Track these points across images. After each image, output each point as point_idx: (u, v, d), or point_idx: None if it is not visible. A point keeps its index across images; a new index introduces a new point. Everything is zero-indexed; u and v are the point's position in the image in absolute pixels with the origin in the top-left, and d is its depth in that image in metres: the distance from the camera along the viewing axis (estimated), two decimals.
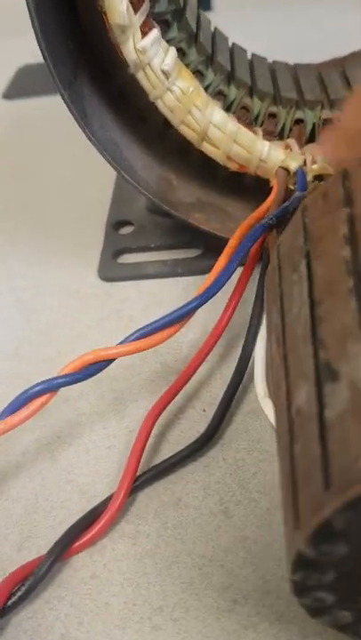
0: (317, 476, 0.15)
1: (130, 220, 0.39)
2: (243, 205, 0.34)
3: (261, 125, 0.34)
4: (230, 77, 0.34)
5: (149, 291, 0.35)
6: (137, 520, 0.25)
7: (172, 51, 0.31)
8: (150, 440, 0.26)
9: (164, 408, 0.27)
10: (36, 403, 0.23)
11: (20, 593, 0.22)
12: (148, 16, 0.29)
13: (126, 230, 0.39)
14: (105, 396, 0.29)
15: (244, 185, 0.34)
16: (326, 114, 0.34)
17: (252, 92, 0.35)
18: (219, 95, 0.34)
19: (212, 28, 0.37)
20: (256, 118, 0.34)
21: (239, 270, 0.29)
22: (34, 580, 0.22)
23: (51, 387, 0.24)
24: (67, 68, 0.30)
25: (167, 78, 0.30)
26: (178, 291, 0.35)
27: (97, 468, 0.27)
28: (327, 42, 0.40)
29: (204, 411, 0.28)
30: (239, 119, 0.33)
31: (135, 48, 0.29)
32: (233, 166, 0.33)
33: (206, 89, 0.33)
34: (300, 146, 0.33)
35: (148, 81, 0.30)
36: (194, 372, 0.28)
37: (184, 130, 0.32)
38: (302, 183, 0.31)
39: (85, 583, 0.23)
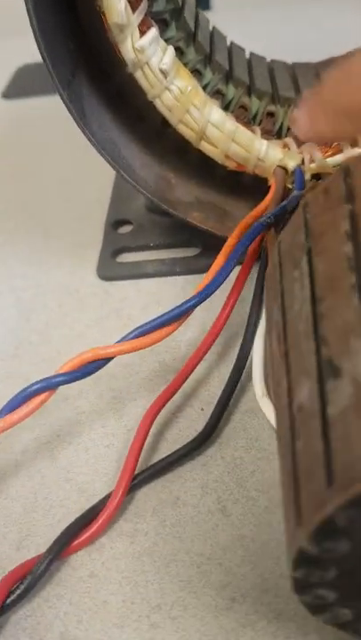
0: (320, 473, 0.15)
1: (129, 219, 0.39)
2: (241, 204, 0.34)
3: (260, 124, 0.34)
4: (229, 76, 0.34)
5: (148, 289, 0.35)
6: (135, 518, 0.25)
7: (171, 50, 0.31)
8: (149, 439, 0.26)
9: (163, 407, 0.27)
10: (35, 401, 0.23)
11: (18, 591, 0.22)
12: (146, 15, 0.30)
13: (125, 229, 0.39)
14: (104, 394, 0.30)
15: (243, 184, 0.34)
16: None
17: (250, 91, 0.35)
18: (217, 94, 0.34)
19: (211, 28, 0.37)
20: (254, 117, 0.34)
21: (237, 269, 0.29)
22: (32, 578, 0.22)
23: (50, 385, 0.24)
24: (65, 67, 0.30)
25: (165, 77, 0.30)
26: (177, 289, 0.35)
27: (96, 466, 0.27)
28: (326, 41, 0.40)
29: (202, 409, 0.28)
30: (237, 118, 0.33)
31: (133, 47, 0.29)
32: (231, 165, 0.33)
33: (204, 88, 0.33)
34: (299, 145, 0.33)
35: (147, 80, 0.30)
36: (192, 370, 0.28)
37: (182, 129, 0.32)
38: (300, 182, 0.31)
39: (84, 581, 0.23)
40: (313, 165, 0.32)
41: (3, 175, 0.48)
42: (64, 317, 0.34)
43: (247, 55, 0.38)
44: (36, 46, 0.28)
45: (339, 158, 0.32)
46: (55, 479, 0.26)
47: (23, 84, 0.59)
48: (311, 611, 0.18)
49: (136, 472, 0.25)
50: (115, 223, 0.39)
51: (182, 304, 0.26)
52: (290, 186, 0.32)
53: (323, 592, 0.17)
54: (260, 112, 0.35)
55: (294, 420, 0.17)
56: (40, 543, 0.24)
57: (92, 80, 0.33)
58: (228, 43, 0.38)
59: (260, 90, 0.35)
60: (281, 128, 0.34)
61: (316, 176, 0.32)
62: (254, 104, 0.35)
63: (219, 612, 0.22)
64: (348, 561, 0.16)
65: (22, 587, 0.22)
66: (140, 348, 0.25)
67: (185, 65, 0.32)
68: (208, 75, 0.34)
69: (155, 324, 0.26)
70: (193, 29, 0.34)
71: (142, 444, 0.25)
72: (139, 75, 0.30)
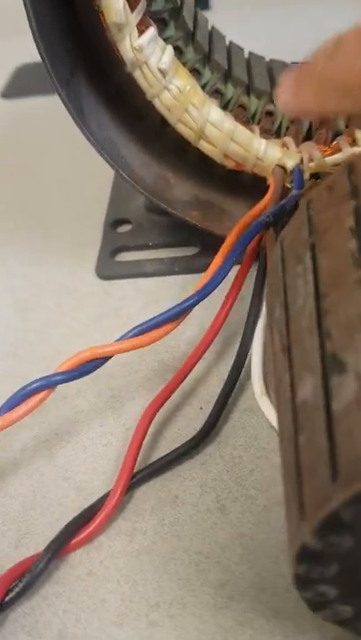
0: (324, 468, 0.15)
1: (128, 218, 0.39)
2: (240, 203, 0.34)
3: (258, 123, 0.34)
4: (227, 76, 0.35)
5: (147, 289, 0.35)
6: (134, 517, 0.25)
7: (169, 49, 0.31)
8: (147, 437, 0.26)
9: (161, 405, 0.27)
10: (33, 399, 0.24)
11: (17, 589, 0.22)
12: (144, 15, 0.30)
13: (124, 229, 0.39)
14: (102, 393, 0.30)
15: (242, 183, 0.34)
16: None
17: (249, 90, 0.35)
18: (216, 93, 0.34)
19: (210, 27, 0.37)
20: (253, 116, 0.34)
21: (236, 268, 0.29)
22: (31, 576, 0.22)
23: (48, 383, 0.24)
24: (64, 66, 0.30)
25: (164, 77, 0.30)
26: (175, 288, 0.35)
27: (94, 465, 0.27)
28: None
29: (201, 408, 0.28)
30: (236, 117, 0.33)
31: (132, 46, 0.29)
32: (230, 164, 0.33)
33: (203, 87, 0.33)
34: (297, 144, 0.33)
35: (145, 79, 0.30)
36: (190, 369, 0.28)
37: (181, 128, 0.32)
38: (299, 181, 0.31)
39: (82, 580, 0.23)
40: (312, 164, 0.32)
41: (1, 174, 0.48)
42: (63, 316, 0.34)
43: (246, 55, 0.38)
44: (34, 46, 0.28)
45: (338, 157, 0.32)
46: (54, 478, 0.26)
47: (22, 84, 0.59)
48: (311, 607, 0.18)
49: (135, 471, 0.25)
50: (114, 222, 0.39)
51: (181, 303, 0.26)
52: (289, 185, 0.32)
53: (324, 588, 0.17)
54: (259, 111, 0.35)
55: (297, 415, 0.17)
56: (39, 541, 0.24)
57: (91, 79, 0.33)
58: (227, 42, 0.38)
59: (259, 89, 0.35)
60: (280, 127, 0.34)
61: (315, 175, 0.32)
62: (253, 103, 0.35)
63: (217, 610, 0.22)
64: (350, 557, 0.16)
65: (21, 585, 0.22)
66: (139, 347, 0.26)
67: (184, 64, 0.32)
68: (207, 74, 0.34)
69: (153, 323, 0.26)
70: (192, 29, 0.34)
71: (141, 443, 0.26)
72: (137, 74, 0.30)
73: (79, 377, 0.24)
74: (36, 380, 0.24)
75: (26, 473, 0.27)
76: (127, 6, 0.28)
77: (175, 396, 0.28)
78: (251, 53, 0.38)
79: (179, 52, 0.33)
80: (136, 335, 0.26)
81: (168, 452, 0.26)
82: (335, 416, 0.15)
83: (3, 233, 0.41)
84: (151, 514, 0.25)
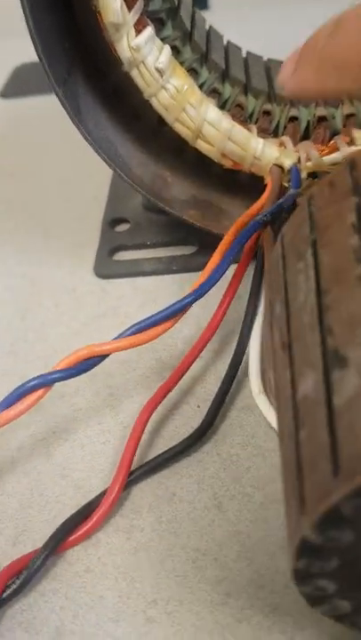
0: (325, 463, 0.15)
1: (126, 217, 0.39)
2: (237, 202, 0.35)
3: (256, 123, 0.34)
4: (225, 75, 0.35)
5: (145, 287, 0.35)
6: (131, 514, 0.25)
7: (167, 49, 0.31)
8: (145, 436, 0.26)
9: (159, 404, 0.27)
10: (31, 397, 0.24)
11: (15, 586, 0.22)
12: (142, 14, 0.30)
13: (122, 228, 0.39)
14: (100, 392, 0.30)
15: (239, 182, 0.35)
16: (320, 111, 0.34)
17: (246, 89, 0.35)
18: (213, 93, 0.34)
19: (207, 27, 0.37)
20: (251, 116, 0.35)
21: (234, 267, 0.29)
22: (28, 573, 0.22)
23: (45, 381, 0.24)
24: (61, 66, 0.31)
25: (161, 76, 0.30)
26: (173, 287, 0.35)
27: (92, 463, 0.27)
28: None
29: (198, 406, 0.28)
30: (234, 117, 0.33)
31: (129, 46, 0.29)
32: (227, 163, 0.33)
33: (201, 87, 0.33)
34: (295, 143, 0.33)
35: (143, 79, 0.30)
36: (188, 368, 0.28)
37: (179, 127, 0.32)
38: (296, 180, 0.31)
39: (80, 576, 0.23)
40: (309, 164, 0.32)
41: (0, 174, 0.48)
42: (61, 315, 0.34)
43: (244, 54, 0.38)
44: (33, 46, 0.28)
45: (335, 156, 0.32)
46: (51, 475, 0.27)
47: (21, 84, 0.59)
48: (310, 602, 0.18)
49: (132, 468, 0.25)
50: (112, 221, 0.39)
51: (178, 301, 0.26)
52: (286, 184, 0.32)
53: (323, 583, 0.17)
54: (257, 110, 0.35)
55: (298, 410, 0.17)
56: (36, 539, 0.24)
57: (88, 78, 0.33)
58: (225, 42, 0.38)
59: (257, 88, 0.35)
60: (277, 126, 0.35)
61: (313, 174, 0.32)
62: (250, 103, 0.35)
63: (214, 606, 0.22)
64: (350, 551, 0.16)
65: (18, 581, 0.22)
66: (136, 345, 0.26)
67: (181, 64, 0.32)
68: (204, 73, 0.34)
69: (151, 322, 0.26)
70: (189, 28, 0.34)
71: (138, 441, 0.26)
72: (135, 73, 0.30)
73: (77, 375, 0.24)
74: (34, 378, 0.24)
75: (23, 471, 0.27)
76: (124, 6, 0.28)
77: (173, 395, 0.28)
78: (248, 53, 0.38)
79: (176, 51, 0.33)
80: (134, 333, 0.26)
81: (165, 449, 0.26)
82: (337, 411, 0.15)
83: (1, 232, 0.41)
84: (149, 511, 0.25)
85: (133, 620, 0.22)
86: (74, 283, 0.36)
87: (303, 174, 0.32)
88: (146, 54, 0.30)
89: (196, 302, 0.26)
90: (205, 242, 0.34)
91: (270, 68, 0.37)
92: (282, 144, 0.33)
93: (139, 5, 0.29)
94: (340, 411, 0.15)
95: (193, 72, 0.34)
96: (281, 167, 0.32)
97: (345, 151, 0.32)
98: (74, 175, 0.45)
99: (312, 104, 0.34)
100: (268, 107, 0.35)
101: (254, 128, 0.33)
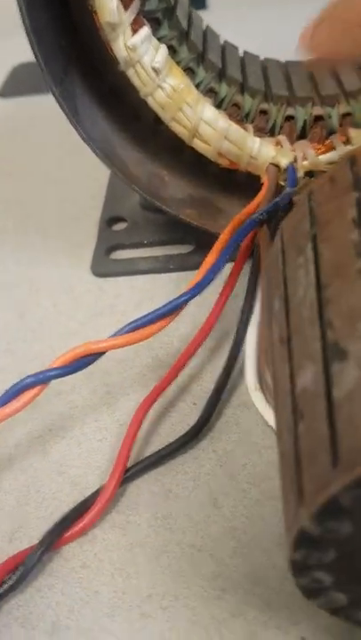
0: (324, 455, 0.15)
1: (123, 216, 0.39)
2: (234, 201, 0.35)
3: (252, 122, 0.34)
4: (221, 75, 0.35)
5: (142, 286, 0.35)
6: (127, 510, 0.25)
7: (163, 48, 0.31)
8: (141, 433, 0.26)
9: (155, 401, 0.27)
10: (27, 395, 0.24)
11: (11, 582, 0.22)
12: (138, 14, 0.30)
13: (119, 227, 0.39)
14: (97, 389, 0.30)
15: (236, 181, 0.35)
16: (317, 110, 0.34)
17: (243, 89, 0.35)
18: (210, 92, 0.34)
19: (204, 26, 0.37)
20: (247, 115, 0.35)
21: (230, 265, 0.29)
22: (25, 569, 0.22)
23: (42, 379, 0.24)
24: (58, 65, 0.31)
25: (158, 75, 0.30)
26: (170, 286, 0.35)
27: (88, 460, 0.27)
28: None
29: (194, 404, 0.28)
30: (230, 116, 0.33)
31: (125, 45, 0.29)
32: (224, 163, 0.33)
33: (197, 86, 0.33)
34: (291, 142, 0.33)
35: (139, 78, 0.31)
36: (184, 365, 0.28)
37: (175, 126, 0.32)
38: (293, 179, 0.31)
39: (76, 572, 0.23)
40: (306, 163, 0.32)
41: None
42: (58, 314, 0.34)
43: (240, 53, 0.38)
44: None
45: (331, 155, 0.32)
46: (48, 473, 0.27)
47: (19, 83, 0.59)
48: (306, 594, 0.18)
49: (129, 465, 0.25)
50: (109, 220, 0.39)
51: (175, 299, 0.26)
52: (282, 183, 0.32)
53: (320, 575, 0.17)
54: (253, 110, 0.35)
55: (297, 403, 0.17)
56: (33, 535, 0.24)
57: (85, 78, 0.33)
58: (222, 41, 0.38)
59: (254, 88, 0.35)
60: (274, 126, 0.35)
61: (309, 173, 0.33)
62: (247, 102, 0.35)
63: (210, 602, 0.22)
64: (348, 543, 0.16)
65: (15, 577, 0.22)
66: (133, 343, 0.26)
67: (178, 63, 0.32)
68: (201, 73, 0.34)
69: (147, 319, 0.26)
70: (186, 28, 0.34)
71: (134, 438, 0.26)
72: (131, 73, 0.30)
73: (73, 372, 0.24)
74: (30, 376, 0.24)
75: (20, 468, 0.27)
76: (121, 6, 0.29)
77: (169, 392, 0.28)
78: (245, 52, 0.38)
79: (173, 51, 0.33)
80: (130, 331, 0.26)
81: (162, 446, 0.26)
82: (336, 403, 0.16)
83: None
84: (145, 508, 0.25)
85: (129, 615, 0.22)
86: (71, 282, 0.36)
87: (300, 173, 0.32)
88: (142, 54, 0.30)
89: (193, 300, 0.26)
90: (202, 241, 0.34)
91: (267, 67, 0.37)
92: (278, 143, 0.33)
93: (135, 5, 0.29)
94: (339, 403, 0.15)
95: (189, 71, 0.34)
96: (277, 166, 0.32)
97: (341, 150, 0.32)
98: (71, 174, 0.45)
99: (309, 103, 0.34)
100: (264, 106, 0.35)
101: (251, 127, 0.33)
